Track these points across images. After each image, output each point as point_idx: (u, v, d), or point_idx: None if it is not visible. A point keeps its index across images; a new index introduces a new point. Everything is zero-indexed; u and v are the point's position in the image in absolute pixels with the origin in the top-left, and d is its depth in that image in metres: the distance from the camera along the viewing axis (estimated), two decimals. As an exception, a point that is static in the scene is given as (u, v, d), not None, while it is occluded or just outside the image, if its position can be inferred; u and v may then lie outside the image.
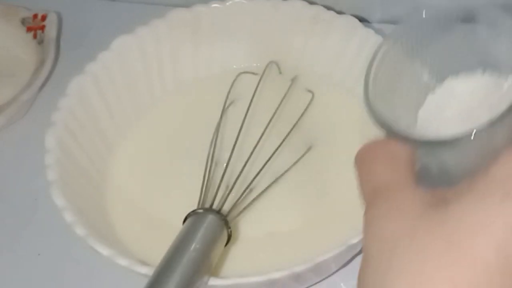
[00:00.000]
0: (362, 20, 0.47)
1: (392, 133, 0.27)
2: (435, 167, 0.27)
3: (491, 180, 0.22)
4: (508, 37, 0.28)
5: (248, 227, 0.40)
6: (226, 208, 0.38)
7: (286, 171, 0.42)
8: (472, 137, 0.24)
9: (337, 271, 0.39)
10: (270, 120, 0.43)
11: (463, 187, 0.23)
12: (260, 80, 0.46)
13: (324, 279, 0.39)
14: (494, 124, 0.24)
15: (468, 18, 0.29)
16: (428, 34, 0.30)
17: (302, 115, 0.44)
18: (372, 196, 0.25)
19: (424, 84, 0.30)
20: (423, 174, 0.26)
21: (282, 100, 0.44)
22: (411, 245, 0.22)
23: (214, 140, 0.42)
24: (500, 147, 0.24)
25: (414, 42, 0.30)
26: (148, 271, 0.34)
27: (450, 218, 0.22)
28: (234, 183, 0.40)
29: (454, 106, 0.30)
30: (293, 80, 0.46)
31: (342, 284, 0.39)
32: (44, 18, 0.53)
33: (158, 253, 0.34)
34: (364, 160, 0.27)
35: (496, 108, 0.27)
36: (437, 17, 0.30)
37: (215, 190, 0.39)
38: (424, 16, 0.29)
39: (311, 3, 0.47)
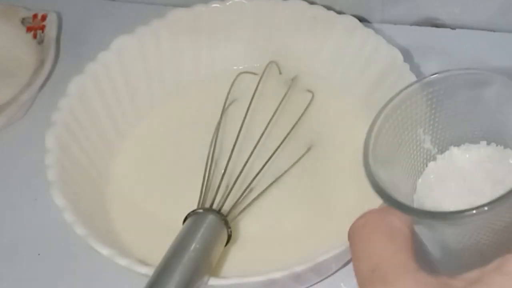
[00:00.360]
0: (362, 20, 0.47)
1: (391, 202, 0.25)
2: (438, 245, 0.26)
3: (506, 275, 0.20)
4: None
5: (248, 227, 0.40)
6: (226, 208, 0.38)
7: (286, 171, 0.42)
8: (475, 214, 0.23)
9: (337, 271, 0.39)
10: (270, 120, 0.43)
11: (473, 277, 0.21)
12: (260, 80, 0.46)
13: (324, 279, 0.39)
14: (500, 202, 0.23)
15: (478, 84, 0.27)
16: (433, 99, 0.28)
17: (302, 115, 0.44)
18: (369, 277, 0.23)
19: (425, 151, 0.29)
20: (424, 253, 0.25)
21: (282, 100, 0.44)
22: None
23: (214, 140, 0.42)
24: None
25: (418, 106, 0.28)
26: (148, 271, 0.34)
27: None
28: (234, 183, 0.40)
29: (456, 177, 0.28)
30: (293, 80, 0.46)
31: (342, 284, 0.39)
32: (44, 18, 0.53)
33: (158, 253, 0.34)
34: (360, 234, 0.25)
35: (501, 183, 0.26)
36: (443, 81, 0.28)
37: (215, 190, 0.39)
38: (432, 78, 0.28)
39: (311, 3, 0.47)
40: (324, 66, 0.47)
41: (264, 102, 0.45)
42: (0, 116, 0.48)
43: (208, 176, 0.40)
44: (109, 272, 0.40)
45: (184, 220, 0.37)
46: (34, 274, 0.42)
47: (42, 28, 0.53)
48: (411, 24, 0.52)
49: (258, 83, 0.45)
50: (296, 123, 0.44)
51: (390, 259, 0.23)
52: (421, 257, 0.24)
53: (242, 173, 0.40)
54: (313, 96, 0.46)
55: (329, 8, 0.47)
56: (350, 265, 0.39)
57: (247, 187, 0.40)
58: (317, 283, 0.39)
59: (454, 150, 0.29)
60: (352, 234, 0.25)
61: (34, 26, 0.53)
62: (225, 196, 0.39)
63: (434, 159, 0.29)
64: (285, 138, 0.42)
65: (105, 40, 0.46)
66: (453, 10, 0.51)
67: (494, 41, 0.50)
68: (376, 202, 0.28)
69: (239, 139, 0.42)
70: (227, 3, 0.48)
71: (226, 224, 0.37)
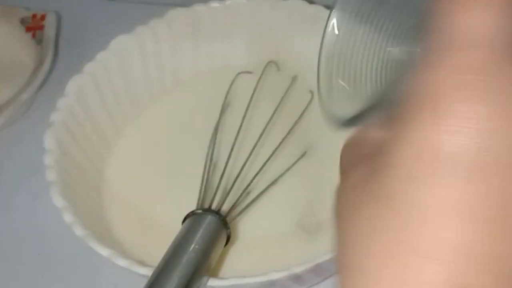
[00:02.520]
0: (361, 19, 0.47)
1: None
2: None
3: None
4: None
5: (248, 227, 0.40)
6: (225, 208, 0.38)
7: (285, 171, 0.42)
8: None
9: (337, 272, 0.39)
10: (269, 120, 0.43)
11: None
12: (259, 80, 0.46)
13: (324, 279, 0.39)
14: None
15: None
16: None
17: (301, 115, 0.44)
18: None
19: (386, 53, 0.26)
20: None
21: (281, 101, 0.44)
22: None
23: (213, 140, 0.42)
24: None
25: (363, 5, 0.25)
26: (147, 271, 0.34)
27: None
28: (233, 183, 0.40)
29: None
30: (293, 80, 0.46)
31: (342, 285, 0.39)
32: (43, 18, 0.53)
33: (157, 253, 0.34)
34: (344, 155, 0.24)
35: None
36: None
37: (214, 191, 0.39)
38: None
39: (311, 2, 0.47)
40: (323, 65, 0.47)
41: (263, 102, 0.45)
42: (-1, 116, 0.48)
43: (207, 177, 0.40)
44: (108, 272, 0.40)
45: (183, 221, 0.37)
46: (33, 274, 0.42)
47: (41, 28, 0.53)
48: (411, 24, 0.52)
49: (257, 83, 0.45)
50: (296, 123, 0.43)
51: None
52: None
53: (241, 173, 0.40)
54: (312, 96, 0.46)
55: (328, 7, 0.47)
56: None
57: (247, 187, 0.40)
58: (317, 283, 0.39)
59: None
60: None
61: (33, 26, 0.53)
62: (224, 197, 0.39)
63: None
64: (284, 138, 0.42)
65: (104, 40, 0.46)
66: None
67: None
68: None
69: (238, 139, 0.42)
70: (227, 3, 0.48)
71: (225, 224, 0.37)
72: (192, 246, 0.34)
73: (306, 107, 0.45)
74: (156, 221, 0.41)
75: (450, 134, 0.17)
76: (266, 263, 0.36)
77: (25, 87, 0.49)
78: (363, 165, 0.20)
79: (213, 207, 0.38)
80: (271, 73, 0.47)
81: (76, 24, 0.56)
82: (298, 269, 0.34)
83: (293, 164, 0.42)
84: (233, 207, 0.39)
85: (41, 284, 0.42)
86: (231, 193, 0.39)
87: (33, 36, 0.53)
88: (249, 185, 0.40)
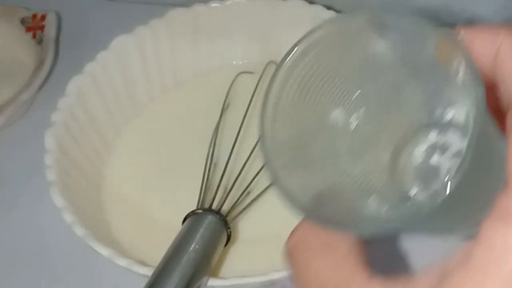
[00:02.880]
0: (362, 19, 0.47)
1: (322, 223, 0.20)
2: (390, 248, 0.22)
3: (473, 269, 0.17)
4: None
5: (248, 227, 0.40)
6: (225, 208, 0.38)
7: (285, 171, 0.42)
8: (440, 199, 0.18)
9: (336, 271, 0.39)
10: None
11: (436, 274, 0.18)
12: (259, 80, 0.46)
13: (323, 279, 0.39)
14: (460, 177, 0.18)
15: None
16: (331, 55, 0.22)
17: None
18: None
19: (337, 123, 0.23)
20: (376, 258, 0.21)
21: (281, 100, 0.44)
22: None
23: (213, 140, 0.42)
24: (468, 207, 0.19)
25: (315, 69, 0.21)
26: (148, 271, 0.34)
27: None
28: (234, 183, 0.40)
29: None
30: (293, 79, 0.46)
31: (341, 284, 0.39)
32: (43, 18, 0.53)
33: (157, 253, 0.34)
34: (294, 256, 0.22)
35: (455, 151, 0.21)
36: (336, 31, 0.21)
37: (214, 190, 0.39)
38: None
39: (311, 2, 0.47)
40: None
41: (263, 102, 0.45)
42: (-1, 116, 0.48)
43: (208, 176, 0.40)
44: (108, 272, 0.39)
45: (184, 221, 0.37)
46: (34, 274, 0.42)
47: (42, 28, 0.53)
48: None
49: (257, 83, 0.45)
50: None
51: (333, 276, 0.20)
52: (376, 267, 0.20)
53: (242, 173, 0.40)
54: (312, 96, 0.46)
55: (329, 7, 0.47)
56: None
57: (247, 187, 0.40)
58: (316, 283, 0.39)
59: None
60: (287, 257, 0.22)
61: (34, 26, 0.53)
62: (224, 196, 0.39)
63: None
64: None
65: (105, 40, 0.46)
66: (455, 8, 0.51)
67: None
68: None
69: (238, 139, 0.42)
70: (227, 3, 0.48)
71: (226, 224, 0.37)
72: (192, 246, 0.34)
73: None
74: (156, 221, 0.41)
75: None
76: (266, 263, 0.36)
77: (25, 87, 0.49)
78: None
79: (214, 207, 0.38)
80: (271, 73, 0.47)
81: (76, 24, 0.56)
82: (298, 269, 0.34)
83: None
84: (233, 207, 0.39)
85: (41, 284, 0.42)
86: (231, 193, 0.39)
87: (34, 36, 0.53)
88: (249, 185, 0.40)
